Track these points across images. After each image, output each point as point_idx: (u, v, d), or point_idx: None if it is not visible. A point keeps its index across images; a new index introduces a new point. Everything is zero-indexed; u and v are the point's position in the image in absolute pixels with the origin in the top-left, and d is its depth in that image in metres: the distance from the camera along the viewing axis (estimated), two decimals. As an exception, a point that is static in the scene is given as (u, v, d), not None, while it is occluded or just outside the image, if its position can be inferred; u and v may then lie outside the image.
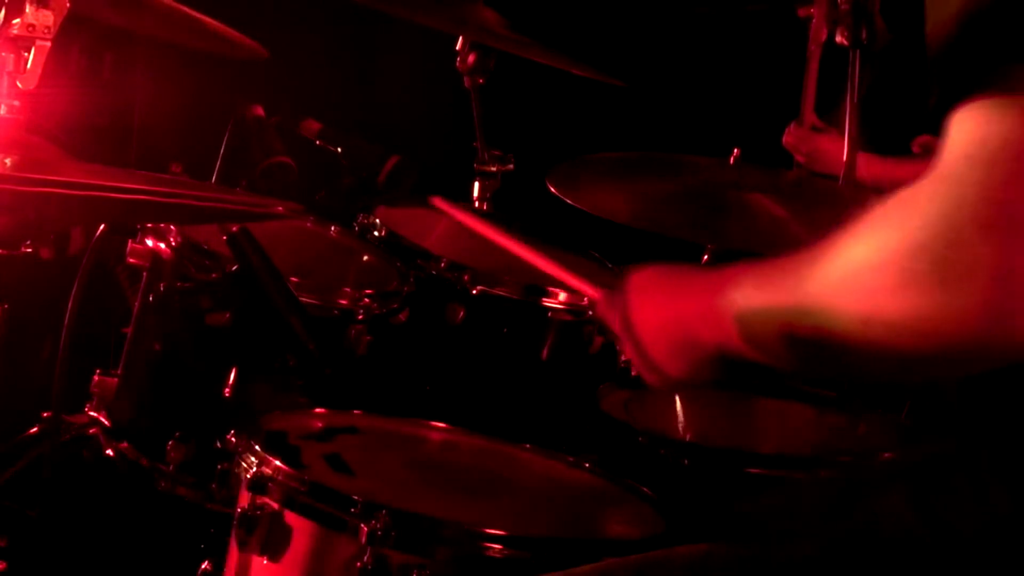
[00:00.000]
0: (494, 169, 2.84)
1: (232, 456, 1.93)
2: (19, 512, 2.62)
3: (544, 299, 2.47)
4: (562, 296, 2.47)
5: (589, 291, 1.72)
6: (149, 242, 2.35)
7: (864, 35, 2.77)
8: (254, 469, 1.81)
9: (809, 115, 3.42)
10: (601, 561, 1.63)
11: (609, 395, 2.37)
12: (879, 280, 1.20)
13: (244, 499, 1.80)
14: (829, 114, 3.36)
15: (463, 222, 2.05)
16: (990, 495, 1.36)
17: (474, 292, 2.46)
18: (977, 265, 1.15)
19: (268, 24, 2.84)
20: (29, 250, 2.37)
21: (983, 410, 1.41)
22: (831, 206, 2.61)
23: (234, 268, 2.23)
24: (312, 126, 2.74)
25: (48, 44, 1.89)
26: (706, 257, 2.92)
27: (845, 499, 1.51)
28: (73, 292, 2.43)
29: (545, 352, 2.46)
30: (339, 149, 2.72)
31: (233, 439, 1.93)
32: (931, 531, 1.39)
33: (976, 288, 1.15)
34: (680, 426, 2.42)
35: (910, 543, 1.40)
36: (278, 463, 1.78)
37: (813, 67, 3.33)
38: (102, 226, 2.41)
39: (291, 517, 1.75)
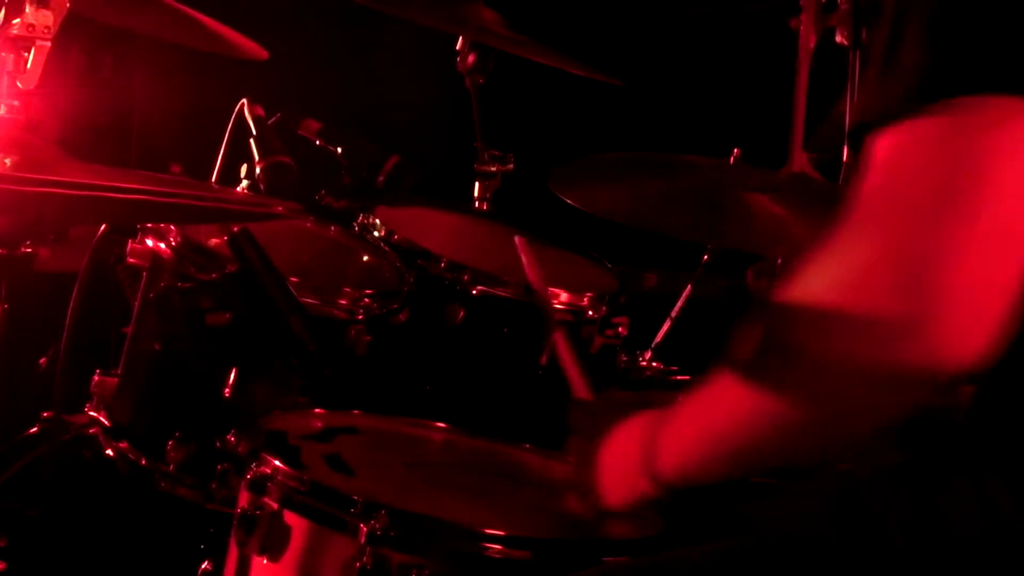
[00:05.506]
0: (494, 169, 2.84)
1: (233, 458, 1.92)
2: (19, 512, 2.62)
3: (544, 299, 2.46)
4: (562, 296, 2.47)
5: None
6: (149, 242, 2.35)
7: (864, 35, 2.77)
8: (254, 469, 1.81)
9: (799, 157, 3.37)
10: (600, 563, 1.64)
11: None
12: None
13: (244, 499, 1.80)
14: (810, 140, 3.33)
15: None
16: (991, 495, 1.36)
17: (474, 292, 2.46)
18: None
19: (268, 24, 2.84)
20: (29, 250, 2.37)
21: (985, 412, 1.41)
22: (830, 206, 2.61)
23: (234, 268, 2.23)
24: (312, 126, 2.74)
25: (48, 44, 1.89)
26: (706, 257, 2.92)
27: (846, 499, 1.51)
28: (74, 292, 2.43)
29: (545, 352, 2.46)
30: (339, 149, 2.72)
31: (234, 440, 1.93)
32: (931, 531, 1.39)
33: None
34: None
35: (910, 543, 1.40)
36: (278, 463, 1.78)
37: (803, 80, 3.30)
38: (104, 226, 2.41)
39: (291, 517, 1.75)
